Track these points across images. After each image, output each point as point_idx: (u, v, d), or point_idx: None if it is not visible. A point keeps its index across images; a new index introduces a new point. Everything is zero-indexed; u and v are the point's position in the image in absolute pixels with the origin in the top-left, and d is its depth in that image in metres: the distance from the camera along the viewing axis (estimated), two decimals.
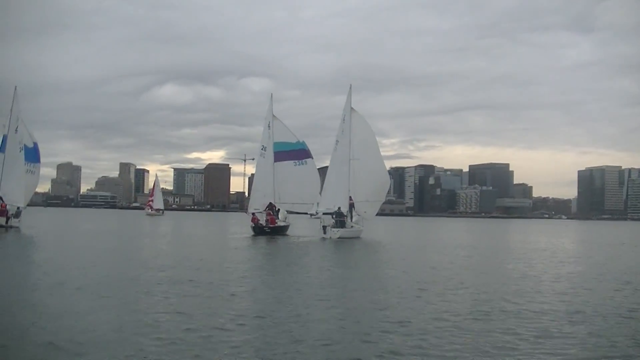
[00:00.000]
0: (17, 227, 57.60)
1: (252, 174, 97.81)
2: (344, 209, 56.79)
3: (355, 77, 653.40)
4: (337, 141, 59.78)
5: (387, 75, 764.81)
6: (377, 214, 66.47)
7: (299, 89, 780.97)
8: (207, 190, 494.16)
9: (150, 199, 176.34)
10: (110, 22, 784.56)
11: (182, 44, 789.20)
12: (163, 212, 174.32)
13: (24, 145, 61.35)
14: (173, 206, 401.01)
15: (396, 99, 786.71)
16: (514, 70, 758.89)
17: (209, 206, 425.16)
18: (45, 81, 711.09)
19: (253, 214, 61.34)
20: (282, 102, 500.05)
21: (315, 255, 41.30)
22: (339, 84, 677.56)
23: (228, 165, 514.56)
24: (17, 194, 58.19)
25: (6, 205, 58.03)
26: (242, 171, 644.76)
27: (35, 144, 65.22)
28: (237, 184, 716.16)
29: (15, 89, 63.19)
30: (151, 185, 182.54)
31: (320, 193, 64.43)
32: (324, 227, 55.72)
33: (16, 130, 59.87)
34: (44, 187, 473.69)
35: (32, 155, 63.65)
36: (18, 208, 59.85)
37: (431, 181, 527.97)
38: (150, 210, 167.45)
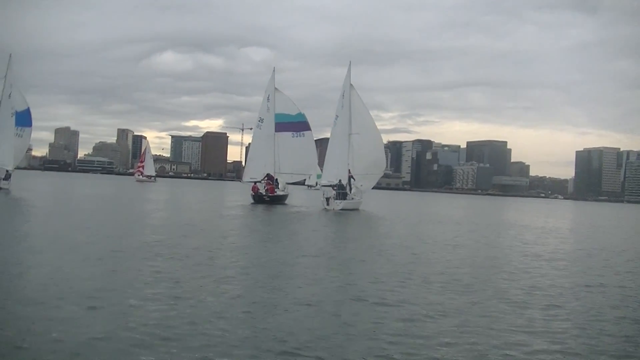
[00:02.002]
0: (6, 189, 58.84)
1: (250, 143, 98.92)
2: (344, 182, 57.76)
3: (357, 49, 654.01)
4: (336, 116, 60.72)
5: (389, 49, 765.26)
6: (373, 187, 68.26)
7: (300, 60, 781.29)
8: (204, 159, 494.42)
9: (140, 164, 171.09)
10: None
11: (184, 11, 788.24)
12: (155, 179, 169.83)
13: (16, 110, 62.62)
14: (170, 173, 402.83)
15: (396, 73, 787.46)
16: (515, 48, 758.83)
17: (205, 174, 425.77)
18: (46, 45, 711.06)
19: (255, 183, 62.45)
20: (282, 73, 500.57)
21: (323, 224, 42.19)
22: (340, 56, 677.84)
23: (226, 134, 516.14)
24: (7, 158, 59.61)
25: None
26: (240, 140, 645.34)
27: (27, 108, 66.72)
28: (235, 153, 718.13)
29: (10, 56, 64.87)
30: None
31: (317, 164, 65.26)
32: (327, 199, 56.87)
33: (9, 96, 61.04)
34: (41, 151, 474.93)
35: (24, 119, 65.00)
36: (7, 171, 61.28)
37: (428, 156, 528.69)
38: (140, 176, 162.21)
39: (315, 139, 67.92)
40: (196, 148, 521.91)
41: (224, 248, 24.49)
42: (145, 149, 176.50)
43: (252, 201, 60.78)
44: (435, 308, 14.49)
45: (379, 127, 64.61)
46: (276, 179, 63.14)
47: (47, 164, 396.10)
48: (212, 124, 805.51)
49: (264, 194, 60.93)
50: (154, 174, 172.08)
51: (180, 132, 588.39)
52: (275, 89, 65.63)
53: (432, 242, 31.47)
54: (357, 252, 26.11)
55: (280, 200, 61.90)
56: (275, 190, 61.97)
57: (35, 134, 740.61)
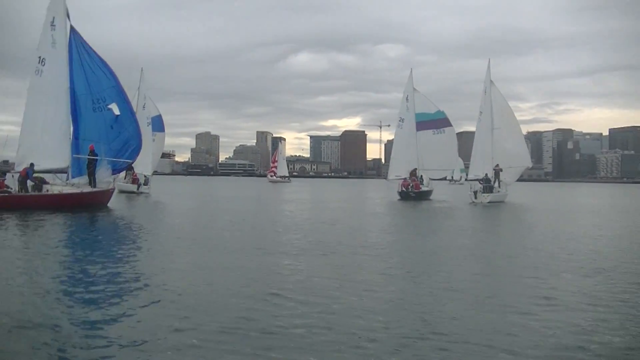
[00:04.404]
0: (147, 193, 63.59)
1: (388, 140, 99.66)
2: (490, 176, 59.28)
3: (492, 40, 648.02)
4: (480, 112, 62.53)
5: (524, 38, 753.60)
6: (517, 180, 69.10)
7: (435, 54, 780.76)
8: (344, 157, 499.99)
9: (273, 165, 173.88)
10: None
11: (318, 11, 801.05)
12: (289, 179, 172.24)
13: (151, 118, 68.28)
14: (310, 173, 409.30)
15: (533, 62, 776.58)
16: None
17: (345, 173, 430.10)
18: (184, 53, 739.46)
19: (405, 179, 64.32)
20: (418, 68, 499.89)
21: (477, 217, 42.62)
22: (475, 48, 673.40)
23: (364, 132, 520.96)
24: (145, 164, 63.53)
25: (137, 174, 64.10)
26: (378, 137, 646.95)
27: (159, 115, 73.23)
28: (374, 151, 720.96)
29: (142, 70, 71.33)
30: (288, 153, 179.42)
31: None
32: (475, 192, 58.09)
33: (143, 107, 66.04)
34: (184, 157, 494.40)
35: (156, 125, 70.91)
36: (145, 176, 66.59)
37: (570, 145, 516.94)
38: (273, 176, 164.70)
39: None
40: (335, 147, 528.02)
41: (389, 241, 25.09)
42: (277, 150, 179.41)
43: (399, 197, 62.61)
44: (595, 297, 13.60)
45: (518, 119, 65.81)
46: (421, 175, 65.56)
47: (189, 169, 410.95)
48: (350, 123, 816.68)
49: (409, 190, 62.78)
50: (287, 174, 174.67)
51: (318, 132, 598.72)
52: (414, 89, 68.10)
53: (586, 234, 29.75)
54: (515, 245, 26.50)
55: (426, 195, 63.86)
56: (420, 186, 64.15)
57: (177, 140, 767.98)
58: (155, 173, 73.98)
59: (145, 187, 65.82)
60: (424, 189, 64.52)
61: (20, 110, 39.57)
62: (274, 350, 9.34)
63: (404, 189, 63.05)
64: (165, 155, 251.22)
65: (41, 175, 38.00)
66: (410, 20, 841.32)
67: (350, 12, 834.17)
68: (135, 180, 64.33)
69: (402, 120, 68.03)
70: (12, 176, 37.85)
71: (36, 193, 36.59)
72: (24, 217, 30.19)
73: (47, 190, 37.18)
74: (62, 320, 10.57)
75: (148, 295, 12.90)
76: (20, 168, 37.72)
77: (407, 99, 67.84)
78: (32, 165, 36.79)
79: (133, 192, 62.16)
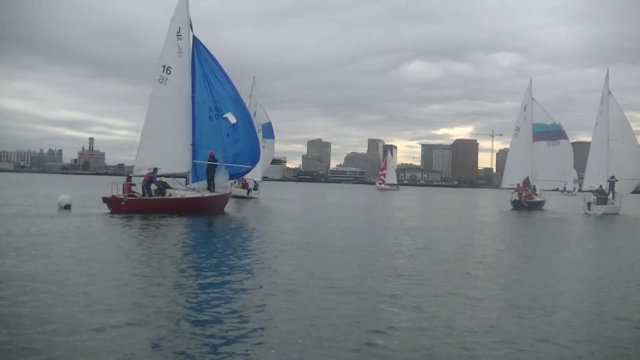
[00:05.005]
0: (256, 198, 65.40)
1: (500, 150, 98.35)
2: (604, 187, 57.95)
3: (608, 48, 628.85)
4: (596, 122, 61.32)
5: None
6: (633, 192, 67.21)
7: (549, 63, 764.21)
8: (455, 166, 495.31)
9: (381, 172, 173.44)
10: (358, 0, 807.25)
11: (430, 19, 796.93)
12: (398, 187, 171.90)
13: (262, 125, 69.38)
14: (421, 182, 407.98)
15: None
16: None
17: (456, 182, 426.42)
18: (297, 61, 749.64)
19: (518, 184, 64.00)
20: (532, 77, 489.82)
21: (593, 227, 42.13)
22: (591, 56, 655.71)
23: (476, 141, 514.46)
24: (255, 170, 64.14)
25: (247, 179, 64.62)
26: (490, 147, 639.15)
27: (269, 122, 74.30)
28: (485, 160, 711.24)
29: (254, 78, 73.13)
30: (399, 161, 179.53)
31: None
32: (588, 204, 57.01)
33: (254, 114, 66.36)
34: (295, 163, 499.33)
35: (266, 132, 71.92)
36: (255, 181, 67.73)
37: None
38: (381, 184, 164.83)
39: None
40: (446, 156, 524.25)
41: (503, 252, 25.00)
42: (386, 158, 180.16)
43: (512, 207, 62.23)
44: None
45: (634, 129, 64.09)
46: (534, 186, 64.99)
47: (300, 175, 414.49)
48: (462, 131, 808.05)
49: (522, 200, 62.43)
50: (395, 182, 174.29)
51: (430, 141, 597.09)
52: (533, 99, 67.66)
53: None
54: None
55: (538, 206, 63.35)
56: (533, 196, 63.60)
57: (289, 147, 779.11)
58: (265, 179, 75.59)
59: (255, 192, 67.53)
60: (536, 199, 63.97)
61: (135, 116, 41.10)
62: (378, 346, 9.78)
63: (517, 198, 62.83)
64: (276, 162, 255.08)
65: (163, 179, 39.50)
66: (523, 28, 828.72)
67: (463, 20, 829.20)
68: (245, 186, 65.97)
69: (518, 129, 67.93)
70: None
71: (160, 197, 38.10)
72: (149, 220, 31.90)
73: (170, 195, 38.78)
74: (174, 329, 10.56)
75: (267, 299, 13.44)
76: (139, 172, 39.53)
77: (524, 109, 67.63)
78: (155, 170, 38.43)
79: (243, 197, 63.80)
